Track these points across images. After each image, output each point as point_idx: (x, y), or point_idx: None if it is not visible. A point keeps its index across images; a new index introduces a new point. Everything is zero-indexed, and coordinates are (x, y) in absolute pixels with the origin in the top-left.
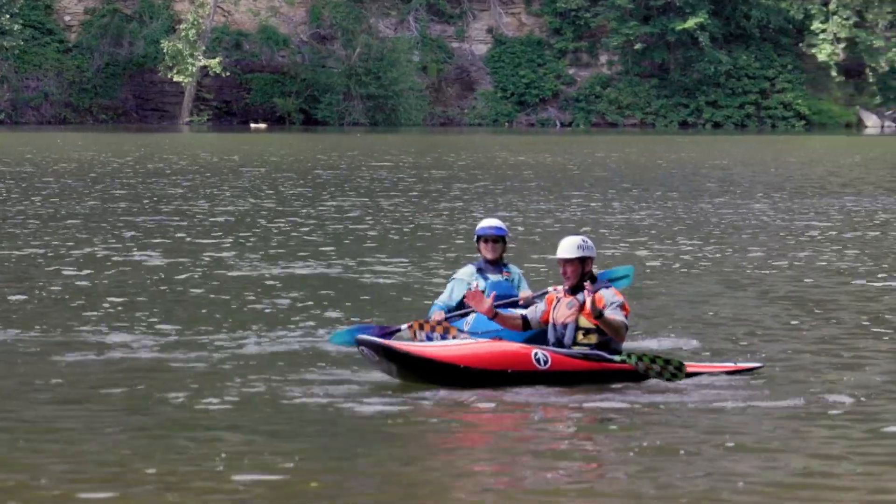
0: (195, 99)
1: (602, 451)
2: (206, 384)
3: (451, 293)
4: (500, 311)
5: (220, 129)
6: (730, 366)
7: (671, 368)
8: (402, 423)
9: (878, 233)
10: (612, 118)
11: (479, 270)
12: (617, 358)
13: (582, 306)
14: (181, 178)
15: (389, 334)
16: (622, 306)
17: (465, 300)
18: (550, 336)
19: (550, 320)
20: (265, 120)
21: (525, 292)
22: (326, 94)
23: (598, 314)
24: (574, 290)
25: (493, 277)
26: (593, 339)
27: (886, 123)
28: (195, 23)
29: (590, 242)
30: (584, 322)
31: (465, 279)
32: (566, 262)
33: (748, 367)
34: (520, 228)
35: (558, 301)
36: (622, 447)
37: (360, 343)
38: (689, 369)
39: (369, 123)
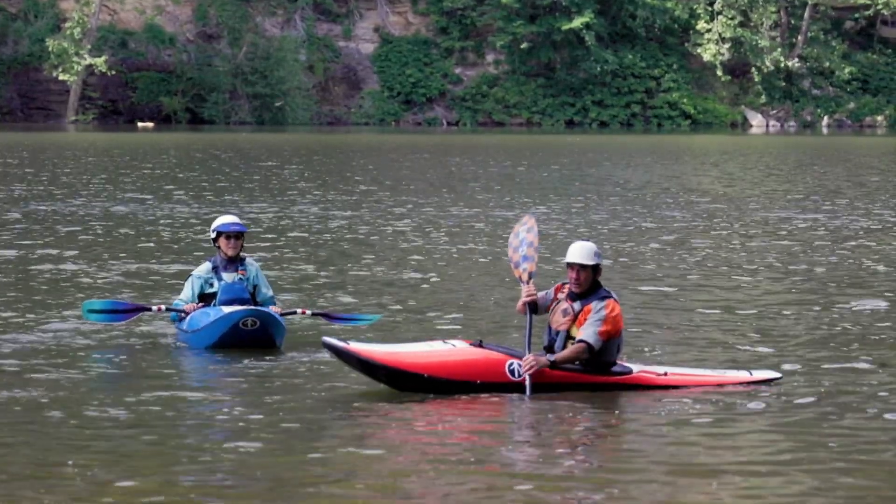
0: (81, 98)
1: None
2: None
3: (192, 289)
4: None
5: (107, 128)
6: (744, 376)
7: None
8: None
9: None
10: (499, 117)
11: (215, 269)
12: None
13: (575, 316)
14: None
15: (138, 310)
16: (604, 320)
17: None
18: (545, 338)
19: (549, 321)
20: (151, 119)
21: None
22: (213, 93)
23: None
24: (578, 296)
25: (228, 277)
26: None
27: (771, 123)
28: (80, 21)
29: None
30: (576, 332)
31: (203, 276)
32: (581, 268)
33: (766, 377)
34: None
35: (557, 303)
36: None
37: (325, 346)
38: (697, 381)
39: (256, 122)
